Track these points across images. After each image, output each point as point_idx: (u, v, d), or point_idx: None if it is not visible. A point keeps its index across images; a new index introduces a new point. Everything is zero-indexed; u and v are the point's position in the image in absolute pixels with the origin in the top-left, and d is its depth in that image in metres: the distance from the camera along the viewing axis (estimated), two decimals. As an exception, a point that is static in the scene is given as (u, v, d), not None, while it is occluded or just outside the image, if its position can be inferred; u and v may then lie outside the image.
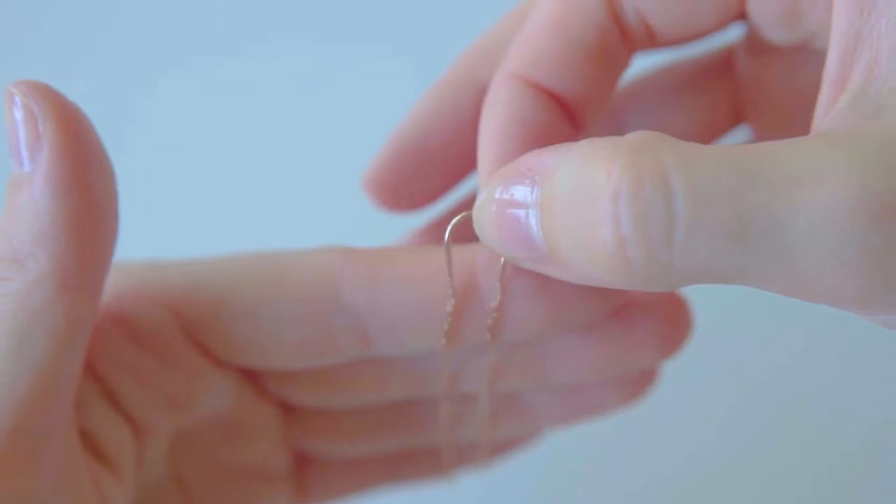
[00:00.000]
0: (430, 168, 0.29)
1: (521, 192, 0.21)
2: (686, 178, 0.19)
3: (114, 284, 0.26)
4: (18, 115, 0.22)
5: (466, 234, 0.25)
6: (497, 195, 0.22)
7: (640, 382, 0.29)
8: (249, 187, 0.48)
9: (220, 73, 0.50)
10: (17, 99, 0.22)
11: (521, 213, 0.21)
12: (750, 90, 0.28)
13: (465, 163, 0.29)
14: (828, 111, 0.21)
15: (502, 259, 0.25)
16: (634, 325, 0.27)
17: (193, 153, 0.49)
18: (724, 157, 0.19)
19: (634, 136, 0.20)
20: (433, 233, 0.30)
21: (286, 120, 0.49)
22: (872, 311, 0.20)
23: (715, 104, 0.29)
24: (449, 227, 0.25)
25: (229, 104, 0.49)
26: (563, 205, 0.20)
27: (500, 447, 0.32)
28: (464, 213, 0.25)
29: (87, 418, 0.25)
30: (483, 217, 0.23)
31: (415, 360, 0.28)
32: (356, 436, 0.30)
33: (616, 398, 0.29)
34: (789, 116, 0.27)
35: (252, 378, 0.28)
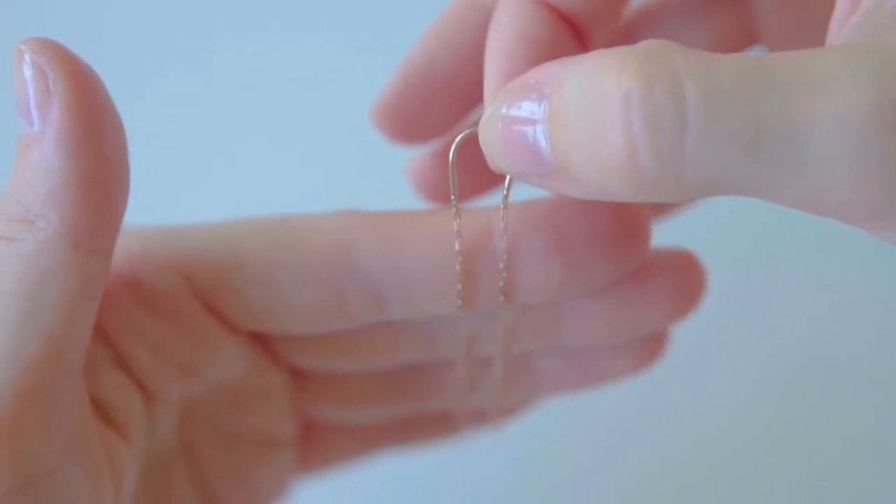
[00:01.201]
0: (440, 96, 0.28)
1: (528, 107, 0.21)
2: (699, 82, 0.18)
3: (125, 249, 0.26)
4: (28, 72, 0.22)
5: (472, 155, 0.24)
6: (504, 111, 0.21)
7: (651, 347, 0.29)
8: (253, 152, 0.48)
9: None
10: (27, 56, 0.22)
11: (528, 128, 0.21)
12: (764, 12, 0.28)
13: (475, 90, 0.28)
14: (842, 27, 0.21)
15: (507, 178, 0.24)
16: (648, 285, 0.27)
17: (198, 118, 0.48)
18: (739, 64, 0.19)
19: (645, 44, 0.20)
20: (440, 156, 0.29)
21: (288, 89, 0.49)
22: (886, 228, 0.19)
23: (728, 26, 0.28)
24: (454, 145, 0.25)
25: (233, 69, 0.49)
26: (573, 115, 0.20)
27: (506, 411, 0.32)
28: (468, 130, 0.24)
29: (98, 384, 0.25)
30: (489, 134, 0.22)
31: (427, 323, 0.28)
32: (365, 401, 0.30)
33: (627, 363, 0.29)
34: (804, 39, 0.27)
35: (262, 343, 0.28)
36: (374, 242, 0.25)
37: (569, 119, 0.20)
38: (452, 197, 0.25)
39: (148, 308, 0.26)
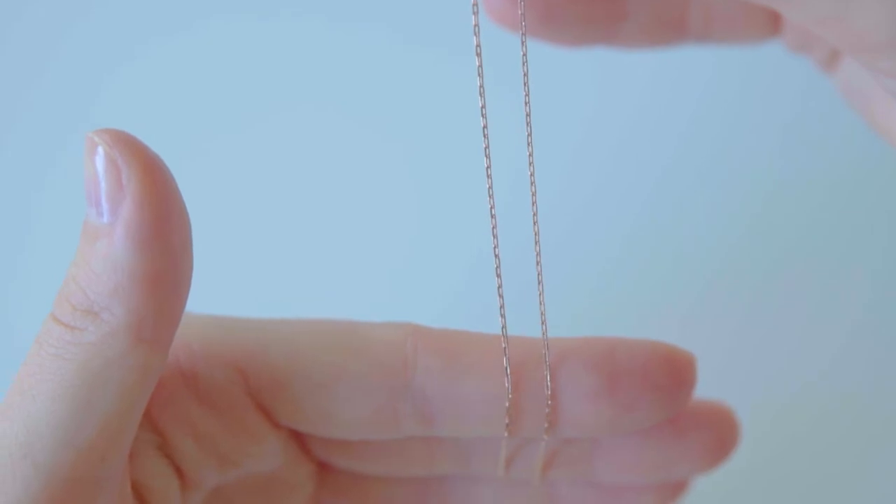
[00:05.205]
0: None
1: None
2: None
3: (184, 339, 0.26)
4: (101, 164, 0.22)
5: None
6: None
7: (673, 490, 0.30)
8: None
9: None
10: (101, 149, 0.22)
11: None
12: None
13: None
14: None
15: None
16: (685, 434, 0.28)
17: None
18: None
19: None
20: None
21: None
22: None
23: None
24: None
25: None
26: None
27: None
28: None
29: (140, 468, 0.25)
30: None
31: (465, 440, 0.28)
32: None
33: (648, 502, 0.29)
34: None
35: (298, 438, 0.28)
36: (433, 362, 0.26)
37: None
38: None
39: (200, 400, 0.26)
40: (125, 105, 0.48)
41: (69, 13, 0.48)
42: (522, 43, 0.25)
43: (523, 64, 0.25)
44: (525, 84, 0.25)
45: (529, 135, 0.25)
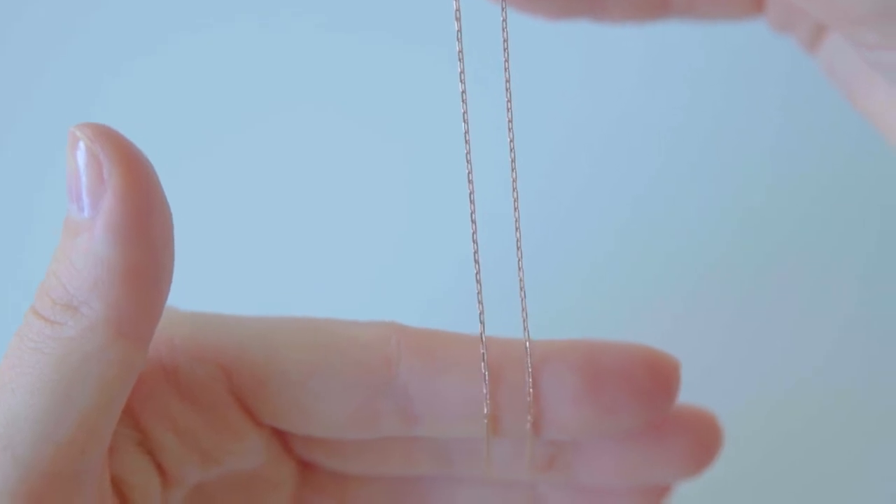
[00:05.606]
0: None
1: None
2: None
3: (166, 335, 0.26)
4: (82, 159, 0.22)
5: None
6: None
7: (655, 495, 0.29)
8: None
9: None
10: (82, 144, 0.22)
11: None
12: None
13: None
14: None
15: None
16: (666, 439, 0.28)
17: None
18: None
19: None
20: None
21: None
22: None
23: None
24: None
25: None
26: None
27: None
28: None
29: (120, 464, 0.25)
30: None
31: (445, 441, 0.28)
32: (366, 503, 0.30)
33: None
34: None
35: (279, 436, 0.28)
36: (416, 361, 0.26)
37: None
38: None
39: (182, 396, 0.26)
40: (125, 105, 0.48)
41: (69, 13, 0.49)
42: (502, 9, 0.25)
43: (503, 30, 0.24)
44: (505, 49, 0.24)
45: (511, 129, 0.25)
